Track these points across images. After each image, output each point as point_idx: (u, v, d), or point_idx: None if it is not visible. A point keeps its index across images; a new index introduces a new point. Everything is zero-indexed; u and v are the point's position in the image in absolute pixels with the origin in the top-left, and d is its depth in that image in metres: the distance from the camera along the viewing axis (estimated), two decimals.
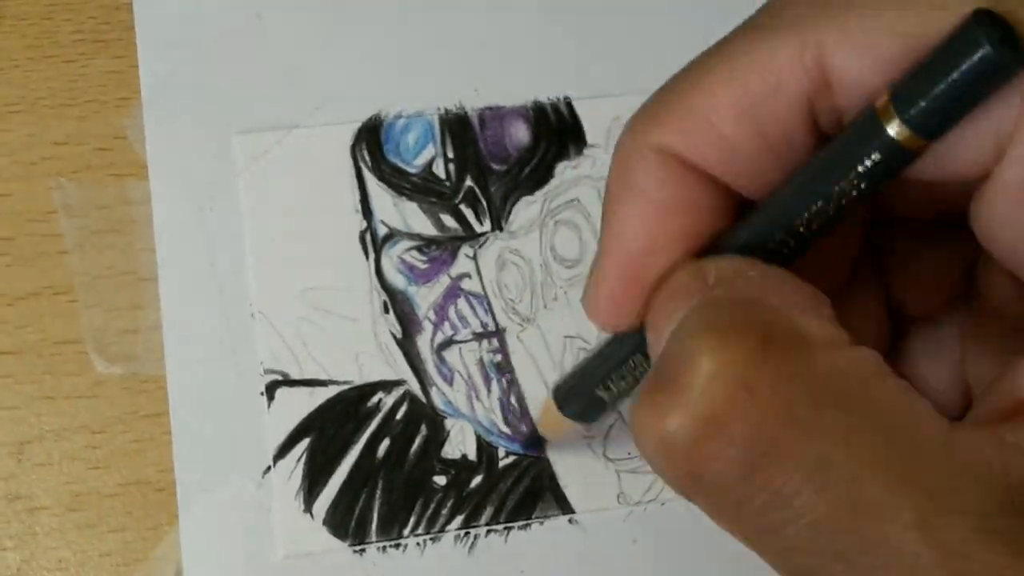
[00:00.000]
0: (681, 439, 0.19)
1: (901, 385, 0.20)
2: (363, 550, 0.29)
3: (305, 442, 0.29)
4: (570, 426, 0.28)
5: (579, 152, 0.32)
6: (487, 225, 0.31)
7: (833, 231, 0.21)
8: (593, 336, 0.31)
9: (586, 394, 0.26)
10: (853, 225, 0.24)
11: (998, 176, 0.20)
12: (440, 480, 0.29)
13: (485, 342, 0.31)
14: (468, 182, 0.32)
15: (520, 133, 0.32)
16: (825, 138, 0.20)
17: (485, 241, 0.31)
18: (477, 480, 0.29)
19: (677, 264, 0.21)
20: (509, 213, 0.32)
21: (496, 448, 0.30)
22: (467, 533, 0.29)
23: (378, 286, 0.31)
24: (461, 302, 0.31)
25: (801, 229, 0.21)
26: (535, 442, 0.30)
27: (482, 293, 0.31)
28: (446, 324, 0.31)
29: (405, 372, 0.30)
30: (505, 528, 0.29)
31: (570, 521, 0.29)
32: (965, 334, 0.25)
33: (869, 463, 0.18)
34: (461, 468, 0.30)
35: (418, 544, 0.29)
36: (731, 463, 0.18)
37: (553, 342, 0.31)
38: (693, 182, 0.21)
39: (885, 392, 0.19)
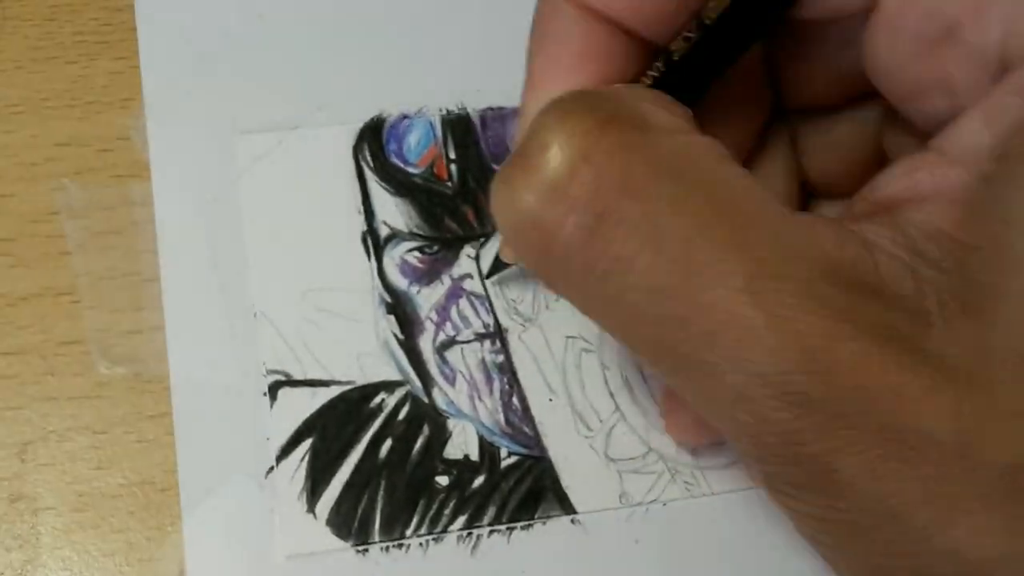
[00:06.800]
0: (530, 209, 0.20)
1: (741, 170, 0.20)
2: (366, 550, 0.29)
3: (308, 442, 0.29)
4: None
5: None
6: (489, 226, 0.31)
7: (719, 73, 0.22)
8: (594, 336, 0.31)
9: None
10: (753, 86, 0.25)
11: (879, 8, 0.21)
12: (442, 480, 0.29)
13: (487, 342, 0.31)
14: (470, 183, 0.32)
15: None
16: None
17: (487, 241, 0.31)
18: (479, 480, 0.29)
19: None
20: None
21: (498, 448, 0.30)
22: (470, 533, 0.29)
23: (380, 286, 0.31)
24: (463, 302, 0.31)
25: (674, 56, 0.22)
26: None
27: (484, 294, 0.31)
28: (448, 324, 0.31)
29: (407, 372, 0.30)
30: (507, 528, 0.29)
31: (572, 521, 0.29)
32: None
33: (700, 228, 0.19)
34: (463, 468, 0.30)
35: (421, 544, 0.29)
36: (574, 229, 0.19)
37: (555, 342, 0.31)
38: (605, 30, 0.22)
39: (722, 172, 0.20)
